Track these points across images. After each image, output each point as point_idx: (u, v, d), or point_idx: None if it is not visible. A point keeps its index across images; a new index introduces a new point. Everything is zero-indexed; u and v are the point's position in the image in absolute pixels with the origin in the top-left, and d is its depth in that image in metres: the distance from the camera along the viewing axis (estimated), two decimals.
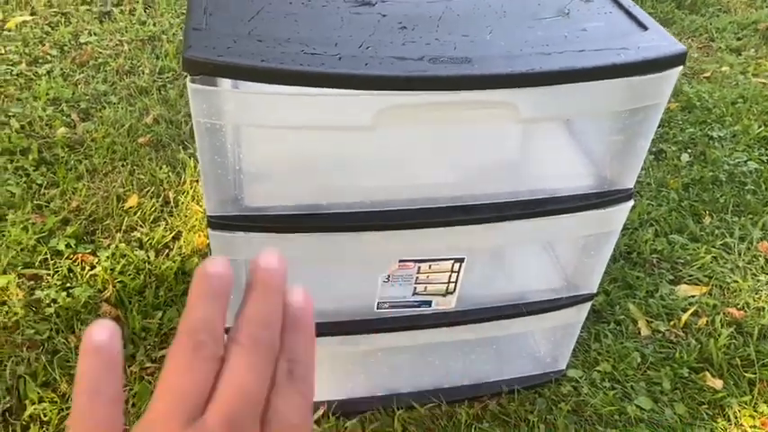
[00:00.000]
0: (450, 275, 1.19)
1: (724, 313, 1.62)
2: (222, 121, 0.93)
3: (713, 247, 1.81)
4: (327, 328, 1.22)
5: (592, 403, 1.40)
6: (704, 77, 2.60)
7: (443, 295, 1.22)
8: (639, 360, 1.50)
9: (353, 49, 0.93)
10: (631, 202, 1.15)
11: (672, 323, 1.60)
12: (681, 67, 1.00)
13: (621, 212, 1.16)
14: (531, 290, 1.30)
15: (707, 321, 1.60)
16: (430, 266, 1.17)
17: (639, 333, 1.57)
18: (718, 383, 1.46)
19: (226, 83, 1.01)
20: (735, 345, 1.55)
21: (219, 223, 1.05)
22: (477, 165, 1.21)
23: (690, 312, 1.61)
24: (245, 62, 0.87)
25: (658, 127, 2.37)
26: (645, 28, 1.03)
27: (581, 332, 1.53)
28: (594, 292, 1.30)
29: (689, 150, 2.18)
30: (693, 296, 1.67)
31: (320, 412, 1.32)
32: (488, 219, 1.11)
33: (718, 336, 1.55)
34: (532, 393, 1.42)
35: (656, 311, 1.62)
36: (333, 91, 0.92)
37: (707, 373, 1.48)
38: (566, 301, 1.29)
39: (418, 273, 1.17)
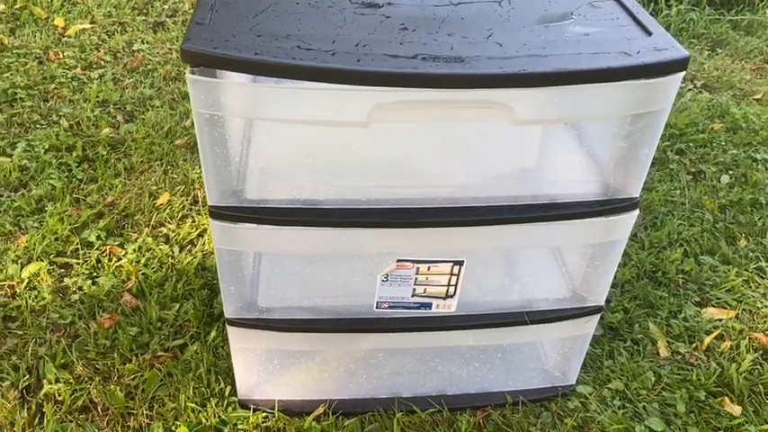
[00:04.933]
0: (450, 278, 1.19)
1: (750, 338, 1.55)
2: (221, 112, 0.97)
3: (746, 270, 1.74)
4: (327, 325, 1.23)
5: (599, 420, 1.36)
6: (754, 99, 2.52)
7: (443, 298, 1.22)
8: (654, 380, 1.45)
9: (350, 46, 0.95)
10: (637, 212, 1.13)
11: (693, 345, 1.54)
12: (683, 73, 0.98)
13: (626, 222, 1.14)
14: (536, 298, 1.28)
15: (731, 345, 1.54)
16: (429, 268, 1.17)
17: (658, 353, 1.52)
18: (736, 409, 1.40)
19: (232, 76, 1.05)
20: (759, 371, 1.48)
21: (221, 214, 1.08)
22: (478, 166, 1.21)
23: (713, 335, 1.55)
24: (238, 55, 0.90)
25: (699, 147, 2.29)
26: (649, 33, 1.01)
27: (595, 348, 1.50)
28: (601, 304, 1.27)
29: (730, 172, 2.11)
30: (720, 319, 1.61)
31: (320, 410, 1.33)
32: (487, 221, 1.11)
33: (742, 360, 1.49)
34: (538, 406, 1.39)
35: (677, 332, 1.57)
36: (331, 86, 0.94)
37: (726, 398, 1.42)
38: (571, 312, 1.27)
39: (417, 274, 1.18)
